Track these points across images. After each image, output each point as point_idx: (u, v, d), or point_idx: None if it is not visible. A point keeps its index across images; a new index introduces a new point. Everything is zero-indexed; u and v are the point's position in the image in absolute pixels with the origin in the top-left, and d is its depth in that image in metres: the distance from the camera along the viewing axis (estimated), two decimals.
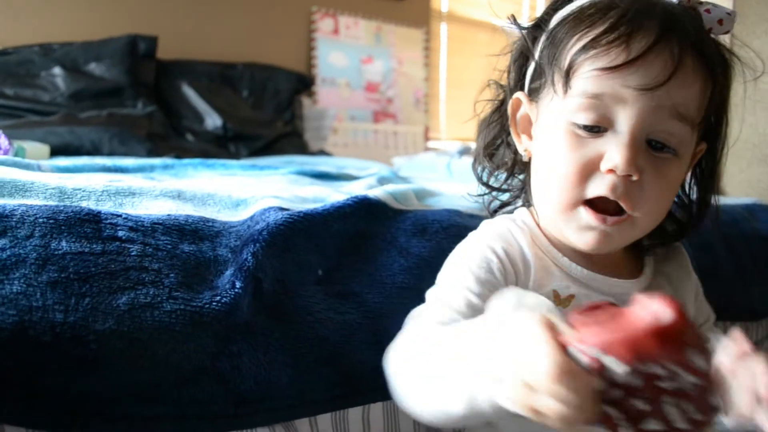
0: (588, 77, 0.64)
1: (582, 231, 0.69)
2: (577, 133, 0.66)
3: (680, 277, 0.81)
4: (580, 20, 0.67)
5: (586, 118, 0.65)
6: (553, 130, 0.68)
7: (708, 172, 0.77)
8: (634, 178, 0.64)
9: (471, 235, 0.76)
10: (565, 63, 0.66)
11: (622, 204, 0.66)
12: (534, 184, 0.74)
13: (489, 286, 0.68)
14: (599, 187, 0.65)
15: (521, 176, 0.82)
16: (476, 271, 0.69)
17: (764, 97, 1.88)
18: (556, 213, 0.70)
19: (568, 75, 0.66)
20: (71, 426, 0.61)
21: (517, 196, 0.83)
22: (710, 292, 0.87)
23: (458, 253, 0.74)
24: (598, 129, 0.65)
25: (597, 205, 0.67)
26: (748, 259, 1.26)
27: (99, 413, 0.63)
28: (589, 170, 0.66)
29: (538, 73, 0.73)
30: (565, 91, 0.66)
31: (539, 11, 0.77)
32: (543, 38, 0.72)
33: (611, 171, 0.64)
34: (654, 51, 0.63)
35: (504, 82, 0.82)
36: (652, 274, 0.78)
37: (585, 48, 0.64)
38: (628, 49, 0.63)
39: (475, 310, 0.66)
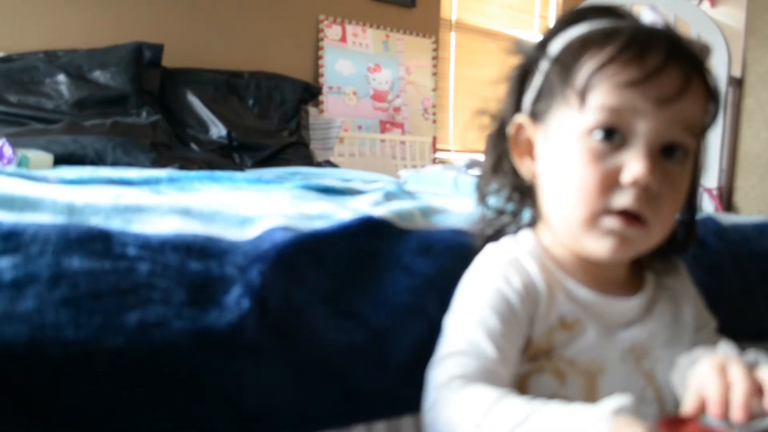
0: (606, 92, 0.69)
1: (603, 237, 0.72)
2: (595, 147, 0.70)
3: (680, 288, 0.85)
4: (587, 44, 0.72)
5: (604, 130, 0.70)
6: (568, 146, 0.72)
7: (693, 178, 0.81)
8: (654, 188, 0.69)
9: (480, 261, 0.80)
10: (580, 82, 0.70)
11: (644, 214, 0.70)
12: (548, 200, 0.77)
13: (511, 324, 0.73)
14: (623, 199, 0.70)
15: (515, 202, 0.85)
16: (497, 308, 0.73)
17: None
18: (577, 226, 0.73)
19: (584, 93, 0.70)
20: None
21: (513, 222, 0.87)
22: (718, 311, 0.89)
23: (474, 286, 0.77)
24: (616, 139, 0.70)
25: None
26: (756, 279, 1.28)
27: (108, 428, 0.66)
28: (610, 182, 0.70)
29: (544, 95, 0.76)
30: (581, 108, 0.70)
31: (551, 20, 0.81)
32: (545, 64, 0.77)
33: (633, 183, 0.69)
34: (667, 68, 0.68)
35: (494, 110, 0.86)
36: (654, 289, 0.82)
37: (601, 67, 0.69)
38: (644, 66, 0.68)
39: (503, 353, 0.71)
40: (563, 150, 0.73)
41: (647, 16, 0.75)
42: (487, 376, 0.69)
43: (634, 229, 0.71)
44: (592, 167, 0.70)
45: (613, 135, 0.70)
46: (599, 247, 0.73)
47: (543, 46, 0.78)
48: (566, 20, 0.78)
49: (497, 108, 0.86)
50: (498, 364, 0.70)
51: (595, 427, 0.56)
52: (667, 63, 0.68)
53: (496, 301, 0.73)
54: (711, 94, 0.74)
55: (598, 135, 0.70)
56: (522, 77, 0.81)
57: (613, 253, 0.73)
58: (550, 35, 0.79)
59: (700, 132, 0.74)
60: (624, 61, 0.68)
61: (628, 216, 0.70)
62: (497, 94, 0.86)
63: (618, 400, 0.57)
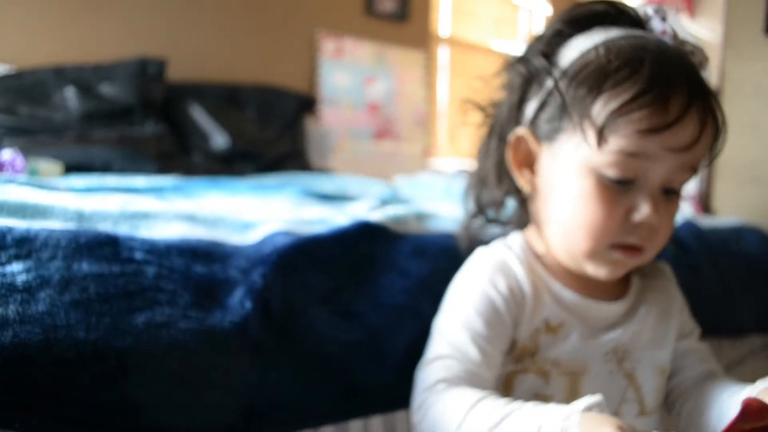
0: (626, 137, 0.66)
1: (605, 265, 0.73)
2: (609, 188, 0.69)
3: (666, 291, 0.85)
4: (605, 75, 0.67)
5: (619, 174, 0.68)
6: (579, 178, 0.71)
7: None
8: (656, 224, 0.70)
9: (469, 265, 0.80)
10: (599, 120, 0.67)
11: (644, 246, 0.72)
12: (552, 223, 0.76)
13: (496, 328, 0.73)
14: (632, 238, 0.71)
15: (504, 207, 0.85)
16: (483, 312, 0.73)
17: (754, 120, 1.92)
18: (581, 255, 0.73)
19: (602, 131, 0.67)
20: None
21: (503, 225, 0.86)
22: (698, 310, 0.90)
23: (462, 289, 0.77)
24: (627, 182, 0.69)
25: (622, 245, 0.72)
26: (734, 279, 1.29)
27: (118, 425, 0.66)
28: (621, 222, 0.70)
29: (554, 113, 0.73)
30: (599, 145, 0.68)
31: (533, 27, 0.79)
32: (555, 78, 0.72)
33: (642, 224, 0.69)
34: (687, 116, 0.66)
35: (487, 112, 0.84)
36: (639, 292, 0.82)
37: (623, 108, 0.66)
38: (666, 114, 0.65)
39: (487, 355, 0.71)
40: (575, 181, 0.71)
41: (657, 25, 0.72)
42: (471, 378, 0.69)
43: (633, 258, 0.73)
44: (606, 207, 0.69)
45: (628, 183, 0.69)
46: (599, 271, 0.74)
47: (548, 54, 0.75)
48: (571, 23, 0.75)
49: (492, 112, 0.83)
50: (481, 367, 0.70)
51: (566, 424, 0.56)
52: (688, 110, 0.66)
53: (482, 305, 0.73)
54: (718, 131, 0.71)
55: (614, 177, 0.69)
56: (524, 86, 0.77)
57: (611, 276, 0.75)
58: (556, 42, 0.75)
59: (699, 166, 0.73)
60: (645, 106, 0.65)
61: (630, 248, 0.72)
62: (488, 97, 0.84)
63: (589, 399, 0.58)
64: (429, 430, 0.67)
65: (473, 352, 0.71)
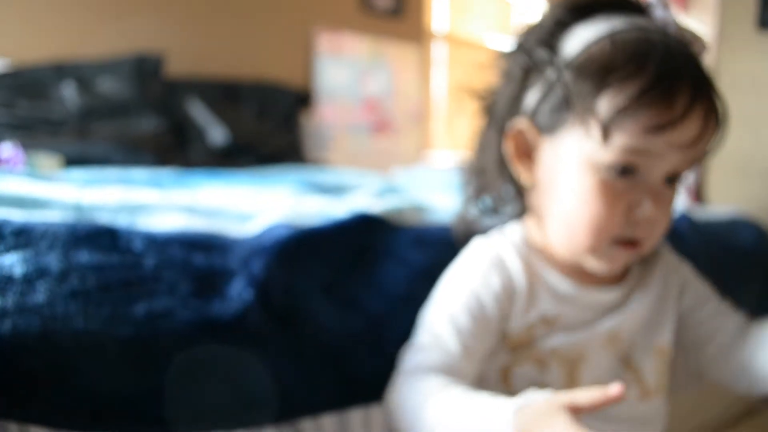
0: (631, 135, 0.65)
1: (606, 260, 0.72)
2: (610, 181, 0.68)
3: (664, 273, 0.83)
4: (610, 70, 0.65)
5: (622, 168, 0.67)
6: (581, 173, 0.69)
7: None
8: (655, 216, 0.69)
9: (465, 257, 0.78)
10: (604, 116, 0.65)
11: (645, 238, 0.71)
12: (552, 217, 0.75)
13: (482, 324, 0.73)
14: (635, 230, 0.70)
15: (503, 198, 0.83)
16: (470, 308, 0.72)
17: (747, 114, 1.91)
18: (582, 250, 0.72)
19: (607, 128, 0.65)
20: (92, 426, 0.64)
21: (499, 216, 0.85)
22: None
23: (454, 283, 0.76)
24: (630, 172, 0.68)
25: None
26: (728, 270, 1.28)
27: (118, 414, 0.65)
28: (623, 217, 0.69)
29: (556, 106, 0.71)
30: (603, 141, 0.66)
31: (525, 17, 0.77)
32: (558, 69, 0.70)
33: (644, 219, 0.69)
34: (691, 112, 0.65)
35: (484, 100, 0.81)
36: (637, 277, 0.81)
37: (628, 105, 0.64)
38: (670, 111, 0.64)
39: (467, 349, 0.71)
40: (577, 175, 0.70)
41: (659, 14, 0.71)
42: (447, 369, 0.69)
43: (633, 252, 0.72)
44: (608, 204, 0.68)
45: (630, 173, 0.68)
46: (599, 265, 0.73)
47: (549, 44, 0.72)
48: (572, 11, 0.72)
49: (490, 101, 0.80)
50: (460, 360, 0.70)
51: (502, 424, 0.56)
52: (692, 107, 0.64)
53: (470, 301, 0.73)
54: (720, 124, 0.70)
55: (617, 172, 0.68)
56: (524, 76, 0.75)
57: (610, 270, 0.74)
58: (557, 31, 0.72)
59: (702, 158, 0.72)
60: (650, 103, 0.63)
61: (630, 243, 0.71)
62: (486, 87, 0.81)
63: (523, 398, 0.57)
64: (394, 412, 0.68)
65: (453, 345, 0.70)
